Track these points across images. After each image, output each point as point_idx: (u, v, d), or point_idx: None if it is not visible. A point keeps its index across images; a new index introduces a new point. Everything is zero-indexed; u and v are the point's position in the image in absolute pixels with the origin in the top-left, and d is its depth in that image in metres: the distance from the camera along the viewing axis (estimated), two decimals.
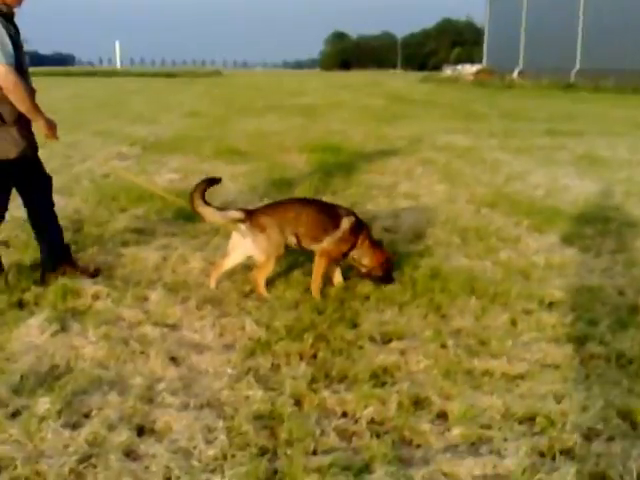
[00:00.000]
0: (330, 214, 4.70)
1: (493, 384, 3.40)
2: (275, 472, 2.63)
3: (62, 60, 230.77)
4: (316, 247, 4.65)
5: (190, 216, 6.37)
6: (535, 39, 46.38)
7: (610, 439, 2.92)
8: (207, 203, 4.50)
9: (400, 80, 56.68)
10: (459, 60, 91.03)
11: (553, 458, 2.79)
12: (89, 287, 4.52)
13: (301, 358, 3.62)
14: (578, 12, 41.53)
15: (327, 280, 4.71)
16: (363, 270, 4.78)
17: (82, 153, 10.68)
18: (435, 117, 19.18)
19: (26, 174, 4.51)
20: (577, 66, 40.93)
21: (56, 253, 4.73)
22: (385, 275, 4.76)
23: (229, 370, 3.45)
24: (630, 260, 5.41)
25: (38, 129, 4.43)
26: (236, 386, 3.28)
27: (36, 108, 4.27)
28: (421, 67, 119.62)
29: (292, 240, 4.60)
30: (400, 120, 18.06)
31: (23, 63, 4.28)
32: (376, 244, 4.81)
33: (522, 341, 3.91)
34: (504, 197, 7.83)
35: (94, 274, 4.78)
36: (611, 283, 4.88)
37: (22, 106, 4.17)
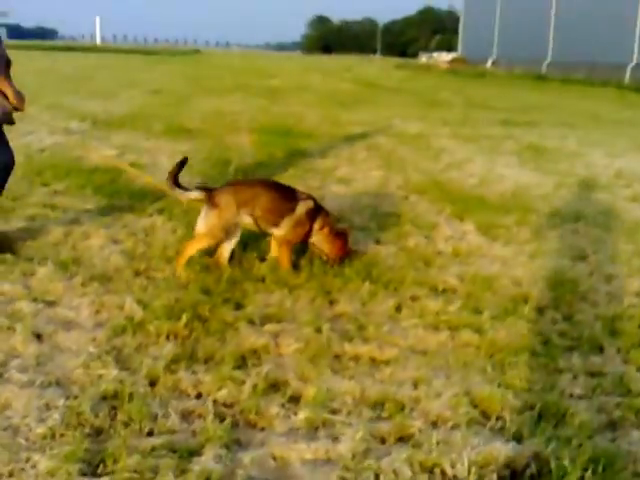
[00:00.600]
0: (288, 198, 4.67)
1: (356, 369, 3.39)
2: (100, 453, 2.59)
3: (44, 34, 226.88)
4: (274, 231, 4.62)
5: (113, 193, 6.37)
6: (509, 30, 46.44)
7: (455, 427, 2.93)
8: (177, 184, 4.51)
9: (376, 66, 56.54)
10: (439, 48, 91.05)
11: (382, 441, 2.80)
12: None
13: (169, 338, 3.57)
14: (551, 3, 41.62)
15: (218, 261, 4.66)
16: (324, 258, 4.76)
17: (27, 127, 10.50)
18: (398, 104, 19.15)
19: None
20: (549, 58, 41.08)
21: None
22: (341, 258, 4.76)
23: (91, 349, 3.39)
24: (536, 251, 5.43)
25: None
26: (92, 365, 3.23)
27: (5, 78, 4.28)
28: (401, 54, 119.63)
29: (248, 221, 4.56)
30: (362, 106, 18.03)
31: None
32: (338, 234, 4.79)
33: (400, 327, 3.91)
34: (436, 184, 7.84)
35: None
36: (509, 273, 4.89)
37: None
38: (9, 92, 4.37)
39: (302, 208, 4.62)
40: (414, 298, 4.32)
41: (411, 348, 3.65)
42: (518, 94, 25.78)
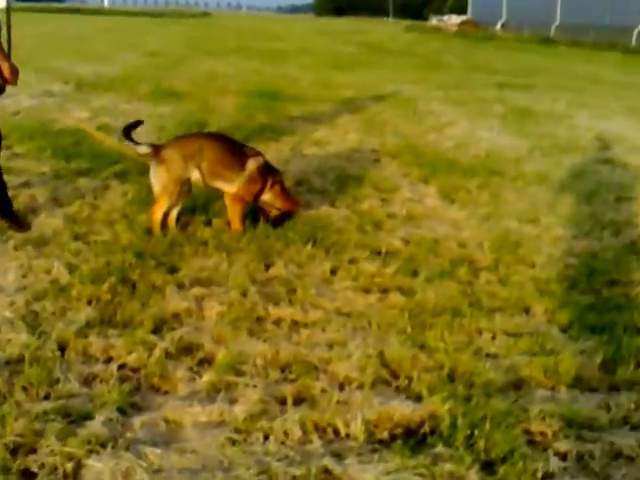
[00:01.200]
0: (236, 152, 4.61)
1: (275, 332, 3.38)
2: None
3: None
4: (223, 186, 4.57)
5: (72, 156, 6.32)
6: None
7: (359, 387, 2.91)
8: (129, 138, 4.43)
9: (386, 28, 55.65)
10: (453, 11, 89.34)
11: (295, 403, 2.78)
12: None
13: (91, 303, 3.54)
14: None
15: (163, 223, 4.61)
16: (273, 213, 4.71)
17: (9, 90, 10.40)
18: (397, 67, 18.84)
19: None
20: (557, 20, 40.18)
21: None
22: (279, 218, 4.72)
23: (7, 313, 3.35)
24: (489, 214, 5.36)
25: None
26: (2, 329, 3.21)
27: (1, 51, 4.18)
28: (415, 16, 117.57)
29: (196, 175, 4.50)
30: (359, 69, 17.75)
31: None
32: (286, 190, 4.77)
33: (331, 289, 3.88)
34: (410, 148, 7.73)
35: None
36: (457, 235, 4.84)
37: None
38: (4, 67, 4.22)
39: (253, 164, 4.56)
40: (353, 261, 4.27)
41: (337, 310, 3.63)
42: (523, 57, 25.29)
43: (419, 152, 7.53)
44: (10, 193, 4.91)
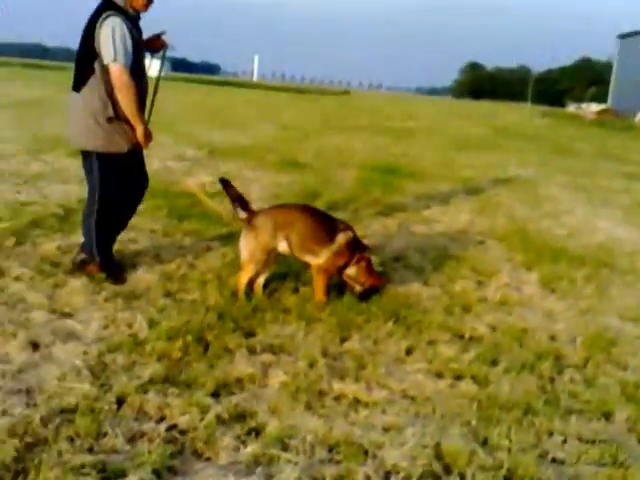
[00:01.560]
0: (327, 226, 4.65)
1: (333, 408, 3.28)
2: None
3: (208, 69, 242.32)
4: (310, 259, 4.62)
5: (185, 216, 6.57)
6: None
7: (406, 478, 2.76)
8: (237, 201, 4.59)
9: (521, 113, 55.15)
10: (594, 99, 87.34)
11: None
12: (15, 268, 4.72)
13: (162, 359, 3.60)
14: None
15: (249, 288, 4.67)
16: (357, 288, 4.71)
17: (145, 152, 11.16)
18: (524, 150, 18.54)
19: (134, 169, 4.79)
20: None
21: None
22: (366, 293, 4.70)
23: (77, 362, 3.47)
24: (590, 307, 5.05)
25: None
26: (68, 377, 3.31)
27: (139, 113, 4.48)
28: (553, 103, 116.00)
29: (284, 246, 4.58)
30: (485, 151, 17.61)
31: (143, 65, 4.61)
32: (372, 266, 4.77)
33: (402, 370, 3.75)
34: (520, 232, 7.48)
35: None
36: (550, 327, 4.57)
37: (127, 108, 4.41)
38: (138, 130, 4.52)
39: (342, 238, 4.56)
40: (431, 342, 4.13)
41: (402, 393, 3.49)
42: None
43: (528, 237, 7.27)
44: (117, 247, 5.18)
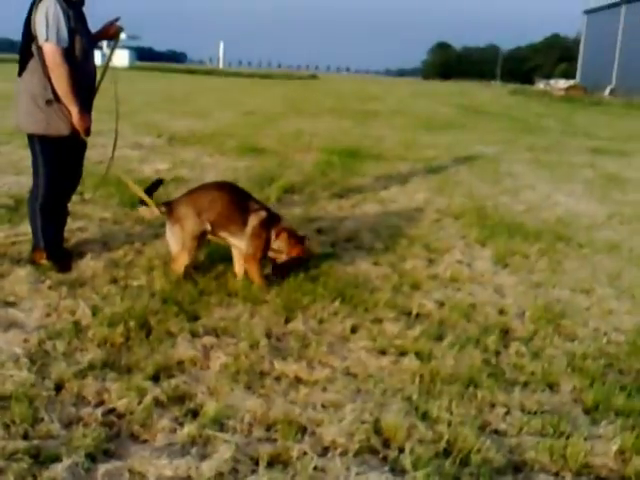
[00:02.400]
0: (241, 207, 4.59)
1: (274, 387, 3.27)
2: None
3: (174, 57, 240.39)
4: (229, 239, 4.59)
5: (134, 204, 6.47)
6: (630, 58, 44.37)
7: (343, 454, 2.75)
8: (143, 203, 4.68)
9: (490, 92, 55.39)
10: (564, 76, 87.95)
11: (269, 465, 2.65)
12: None
13: (103, 345, 3.57)
14: None
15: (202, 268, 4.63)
16: (281, 258, 4.66)
17: (103, 140, 10.98)
18: (491, 129, 18.61)
19: (75, 153, 4.69)
20: None
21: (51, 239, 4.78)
22: (283, 266, 4.66)
23: (17, 350, 3.43)
24: (541, 281, 5.09)
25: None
26: (7, 365, 3.27)
27: (73, 96, 4.37)
28: (524, 81, 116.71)
29: (208, 227, 4.54)
30: (450, 130, 17.66)
31: (84, 49, 4.46)
32: (297, 237, 4.70)
33: (346, 348, 3.74)
34: (477, 209, 7.51)
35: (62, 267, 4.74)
36: (499, 302, 4.60)
37: (59, 87, 4.32)
38: (74, 113, 4.44)
39: (255, 220, 4.52)
40: (376, 320, 4.13)
41: (344, 370, 3.49)
42: (626, 124, 24.41)
43: (485, 214, 7.31)
44: (65, 235, 5.09)
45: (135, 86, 30.29)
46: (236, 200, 4.60)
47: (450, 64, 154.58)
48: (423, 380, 3.38)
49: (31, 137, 4.57)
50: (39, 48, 4.29)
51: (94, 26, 4.74)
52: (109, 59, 4.93)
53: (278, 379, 3.36)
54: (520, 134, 17.39)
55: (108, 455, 2.68)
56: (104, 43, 4.87)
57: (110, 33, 4.84)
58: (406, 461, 2.69)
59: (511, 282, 5.06)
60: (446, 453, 2.80)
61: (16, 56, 4.55)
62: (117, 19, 4.83)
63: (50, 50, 4.24)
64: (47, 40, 4.22)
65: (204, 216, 4.48)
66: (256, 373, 3.39)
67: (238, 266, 4.71)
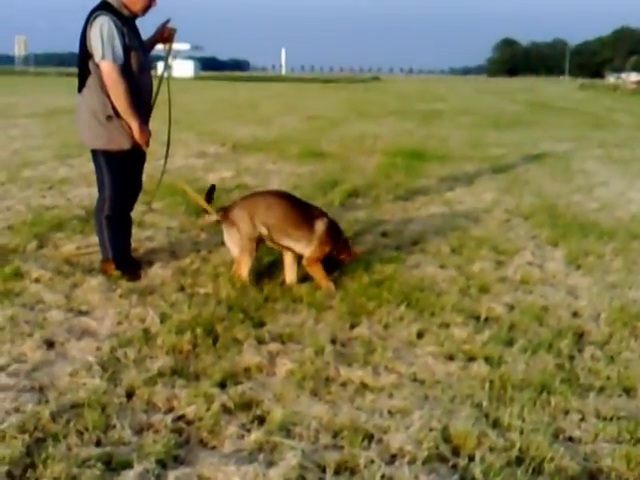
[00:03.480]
0: (304, 213, 4.63)
1: (339, 394, 3.23)
2: None
3: (237, 65, 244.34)
4: (290, 244, 4.59)
5: (200, 212, 6.57)
6: None
7: (411, 462, 2.70)
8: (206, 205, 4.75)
9: (558, 87, 54.11)
10: (636, 69, 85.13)
11: (336, 473, 2.63)
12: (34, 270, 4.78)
13: (172, 352, 3.61)
14: None
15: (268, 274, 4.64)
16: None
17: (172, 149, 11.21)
18: (561, 125, 18.20)
19: (136, 165, 4.82)
20: None
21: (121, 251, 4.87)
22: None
23: (90, 358, 3.49)
24: (617, 282, 4.90)
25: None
26: (80, 373, 3.33)
27: (132, 110, 4.45)
28: (594, 75, 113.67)
29: (264, 232, 4.56)
30: (518, 127, 17.35)
31: (140, 63, 4.57)
32: (346, 240, 4.77)
33: (413, 354, 3.68)
34: (548, 208, 7.32)
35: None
36: (573, 304, 4.46)
37: (118, 104, 4.42)
38: (134, 127, 4.51)
39: (321, 226, 4.52)
40: (443, 325, 4.04)
41: (411, 376, 3.42)
42: None
43: (556, 213, 7.11)
44: (134, 245, 5.20)
45: (200, 96, 30.92)
46: (296, 207, 4.63)
47: (516, 60, 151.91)
48: (493, 386, 3.29)
49: (94, 151, 4.67)
50: (96, 65, 4.37)
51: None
52: (166, 64, 4.98)
53: (344, 385, 3.32)
54: (591, 130, 16.92)
55: (178, 461, 2.70)
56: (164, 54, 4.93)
57: (164, 36, 4.90)
58: (476, 470, 2.62)
59: (585, 283, 4.89)
60: (518, 461, 2.71)
61: None
62: (168, 21, 4.87)
63: (107, 68, 4.32)
64: (103, 58, 4.30)
65: (259, 220, 4.50)
66: (322, 379, 3.36)
67: (291, 272, 4.71)
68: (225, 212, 4.61)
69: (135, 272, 4.84)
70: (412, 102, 29.36)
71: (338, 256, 4.66)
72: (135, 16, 4.58)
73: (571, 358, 3.66)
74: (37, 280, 4.65)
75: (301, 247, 4.54)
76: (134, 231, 5.19)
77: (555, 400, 3.17)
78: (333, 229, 4.61)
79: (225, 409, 3.06)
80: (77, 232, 5.92)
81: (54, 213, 6.64)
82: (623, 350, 3.75)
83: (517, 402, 3.13)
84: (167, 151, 5.00)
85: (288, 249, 4.63)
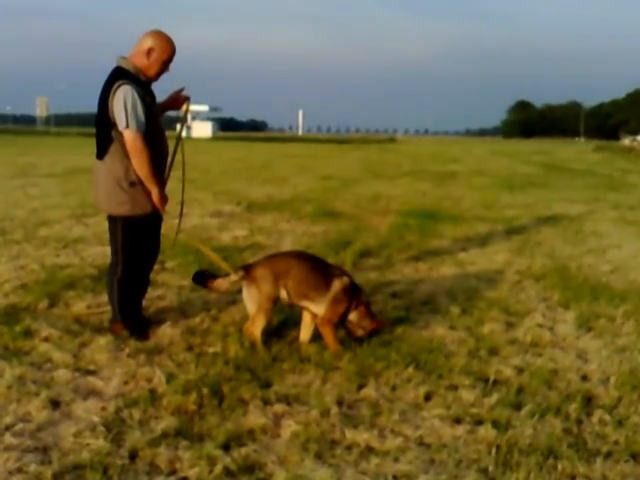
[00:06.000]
0: (323, 273, 4.65)
1: (344, 457, 3.20)
2: None
3: (255, 126, 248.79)
4: (308, 305, 4.61)
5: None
6: None
7: None
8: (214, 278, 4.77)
9: (573, 149, 54.48)
10: None
11: None
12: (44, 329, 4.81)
13: (177, 413, 3.60)
14: None
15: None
16: (359, 333, 4.67)
17: (184, 209, 11.35)
18: (574, 187, 18.23)
19: (154, 230, 4.89)
20: None
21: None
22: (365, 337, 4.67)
23: (95, 418, 3.49)
24: (628, 345, 4.85)
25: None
26: (84, 434, 3.32)
27: (153, 177, 4.55)
28: (609, 137, 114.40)
29: (284, 294, 4.58)
30: (532, 189, 17.42)
31: (159, 130, 4.72)
32: (370, 309, 4.74)
33: (419, 416, 3.64)
34: (559, 270, 7.30)
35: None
36: (583, 367, 4.41)
37: (141, 172, 4.51)
38: (154, 193, 4.58)
39: (338, 285, 4.53)
40: (451, 387, 4.01)
41: (417, 440, 3.38)
42: None
43: (568, 275, 7.08)
44: (145, 303, 5.23)
45: (217, 156, 31.47)
46: (316, 267, 4.66)
47: (531, 122, 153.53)
48: (500, 450, 3.24)
49: (113, 218, 4.71)
50: (119, 133, 4.44)
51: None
52: (181, 130, 5.07)
53: (349, 448, 3.29)
54: (605, 191, 16.95)
55: None
56: (189, 117, 5.03)
57: (178, 103, 5.02)
58: None
59: (595, 346, 4.84)
60: None
61: None
62: (182, 89, 4.99)
63: (131, 137, 4.40)
64: (127, 127, 4.38)
65: (281, 281, 4.52)
66: (327, 442, 3.34)
67: (306, 332, 4.71)
68: (247, 270, 4.63)
69: (144, 332, 4.86)
70: (427, 163, 29.65)
71: (361, 322, 4.63)
72: (150, 81, 4.71)
73: (579, 422, 3.61)
74: (46, 339, 4.68)
75: (316, 307, 4.55)
76: (150, 289, 5.23)
77: (562, 465, 3.13)
78: (351, 291, 4.60)
79: (228, 472, 3.04)
80: (88, 291, 5.96)
81: (67, 272, 6.71)
82: (632, 414, 3.69)
83: (523, 467, 3.09)
84: (181, 210, 5.07)
85: (307, 309, 4.64)
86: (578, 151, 48.99)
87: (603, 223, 11.32)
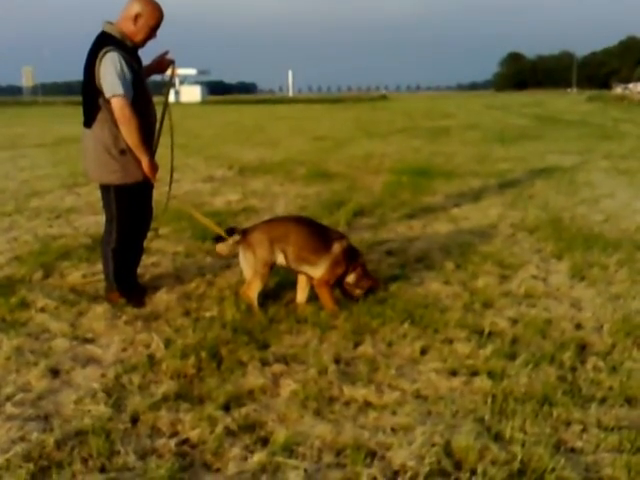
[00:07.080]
0: (322, 236, 4.66)
1: (343, 413, 3.25)
2: None
3: (245, 88, 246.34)
4: (307, 270, 4.62)
5: (208, 236, 6.62)
6: None
7: (413, 477, 2.71)
8: (218, 239, 4.77)
9: (566, 100, 54.16)
10: None
11: None
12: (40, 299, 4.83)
13: (176, 377, 3.63)
14: None
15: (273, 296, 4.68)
16: (357, 292, 4.69)
17: (176, 175, 11.28)
18: (567, 138, 18.16)
19: (146, 197, 4.85)
20: None
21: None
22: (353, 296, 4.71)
23: (95, 385, 3.52)
24: (621, 293, 4.89)
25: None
26: (85, 400, 3.36)
27: (142, 145, 4.49)
28: (602, 86, 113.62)
29: (281, 258, 4.61)
30: (524, 141, 17.36)
31: (147, 96, 4.65)
32: (369, 275, 4.75)
33: (416, 370, 3.69)
34: (553, 222, 7.33)
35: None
36: (576, 316, 4.46)
37: (130, 140, 4.44)
38: (144, 162, 4.54)
39: (337, 248, 4.54)
40: (447, 341, 4.06)
41: (414, 393, 3.43)
42: None
43: (561, 226, 7.11)
44: (140, 271, 5.24)
45: (207, 120, 31.23)
46: (315, 231, 4.66)
47: (523, 74, 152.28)
48: (496, 400, 3.29)
49: (106, 187, 4.66)
50: (107, 101, 4.37)
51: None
52: (167, 93, 4.94)
53: (347, 404, 3.34)
54: (597, 141, 16.93)
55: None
56: (176, 81, 4.93)
57: (163, 67, 4.92)
58: None
59: (589, 295, 4.89)
60: (520, 474, 2.71)
61: None
62: (167, 52, 4.90)
63: (118, 105, 4.32)
64: (115, 94, 4.30)
65: (278, 246, 4.53)
66: (325, 399, 3.38)
67: (302, 293, 4.74)
68: (244, 234, 4.63)
69: (140, 299, 4.88)
70: (419, 120, 29.45)
71: (359, 283, 4.65)
72: (137, 47, 4.64)
73: (573, 370, 3.66)
74: (43, 309, 4.70)
75: (315, 270, 4.57)
76: (144, 257, 5.24)
77: (557, 412, 3.18)
78: (349, 253, 4.62)
79: (229, 431, 3.09)
80: (83, 260, 5.96)
81: (61, 242, 6.71)
82: (625, 360, 3.75)
83: (519, 415, 3.14)
84: (171, 177, 5.04)
85: (304, 274, 4.65)
86: (571, 102, 48.72)
87: (596, 173, 11.34)
